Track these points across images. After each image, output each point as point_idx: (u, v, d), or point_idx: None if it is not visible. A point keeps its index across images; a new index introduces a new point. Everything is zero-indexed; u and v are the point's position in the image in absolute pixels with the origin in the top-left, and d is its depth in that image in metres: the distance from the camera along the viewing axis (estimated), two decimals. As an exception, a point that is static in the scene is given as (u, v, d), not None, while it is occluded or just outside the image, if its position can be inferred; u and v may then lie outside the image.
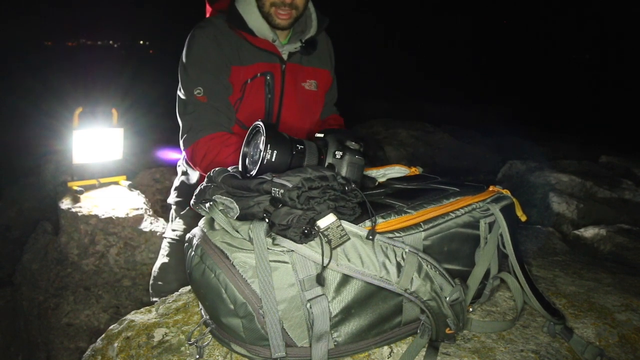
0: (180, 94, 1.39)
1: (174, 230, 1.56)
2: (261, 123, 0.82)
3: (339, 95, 1.71)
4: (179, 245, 1.53)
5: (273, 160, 0.79)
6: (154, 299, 1.52)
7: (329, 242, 0.71)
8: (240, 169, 0.87)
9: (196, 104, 1.35)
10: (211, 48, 1.36)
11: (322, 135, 0.90)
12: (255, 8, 1.37)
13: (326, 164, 0.86)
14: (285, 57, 1.45)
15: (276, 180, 0.72)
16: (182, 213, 1.56)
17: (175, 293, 1.07)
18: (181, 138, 1.39)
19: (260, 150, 0.79)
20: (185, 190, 1.56)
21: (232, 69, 1.38)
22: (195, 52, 1.37)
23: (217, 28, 1.39)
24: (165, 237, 1.59)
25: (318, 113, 1.60)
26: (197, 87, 1.34)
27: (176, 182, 1.60)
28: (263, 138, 0.80)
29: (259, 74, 1.41)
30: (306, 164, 0.84)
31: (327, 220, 0.70)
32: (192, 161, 1.39)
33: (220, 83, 1.37)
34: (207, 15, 1.49)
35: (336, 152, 0.84)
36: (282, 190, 0.70)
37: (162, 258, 1.56)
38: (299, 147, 0.83)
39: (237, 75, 1.39)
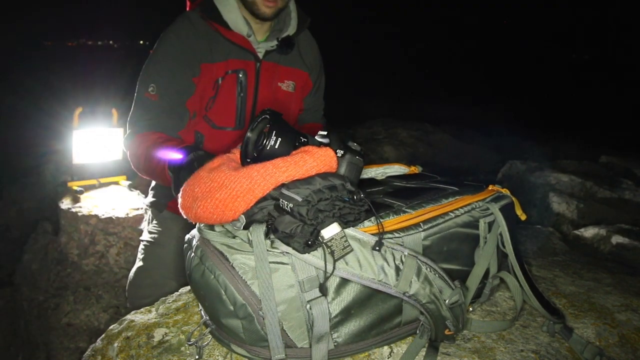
0: (136, 89, 1.33)
1: (150, 232, 1.51)
2: (269, 110, 0.82)
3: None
4: (154, 248, 1.48)
5: (276, 147, 0.79)
6: (129, 305, 1.47)
7: (332, 253, 0.71)
8: (240, 154, 0.87)
9: (145, 101, 1.29)
10: (177, 45, 1.30)
11: (324, 133, 0.91)
12: None
13: None
14: (261, 55, 1.38)
15: (285, 192, 0.71)
16: (159, 215, 1.51)
17: (175, 293, 1.07)
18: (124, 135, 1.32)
19: (264, 137, 0.80)
20: (163, 190, 1.50)
21: (201, 67, 1.33)
22: (159, 49, 1.32)
23: (191, 23, 1.32)
24: (142, 240, 1.53)
25: (295, 116, 1.54)
26: (151, 84, 1.29)
27: (153, 182, 1.55)
28: (269, 125, 0.80)
29: (230, 71, 1.35)
30: None
31: (331, 231, 0.70)
32: (130, 160, 1.30)
33: (177, 83, 1.30)
34: (187, 9, 1.42)
35: (337, 151, 0.85)
36: (291, 205, 0.69)
37: (138, 262, 1.50)
38: (303, 139, 0.83)
39: (208, 73, 1.34)
